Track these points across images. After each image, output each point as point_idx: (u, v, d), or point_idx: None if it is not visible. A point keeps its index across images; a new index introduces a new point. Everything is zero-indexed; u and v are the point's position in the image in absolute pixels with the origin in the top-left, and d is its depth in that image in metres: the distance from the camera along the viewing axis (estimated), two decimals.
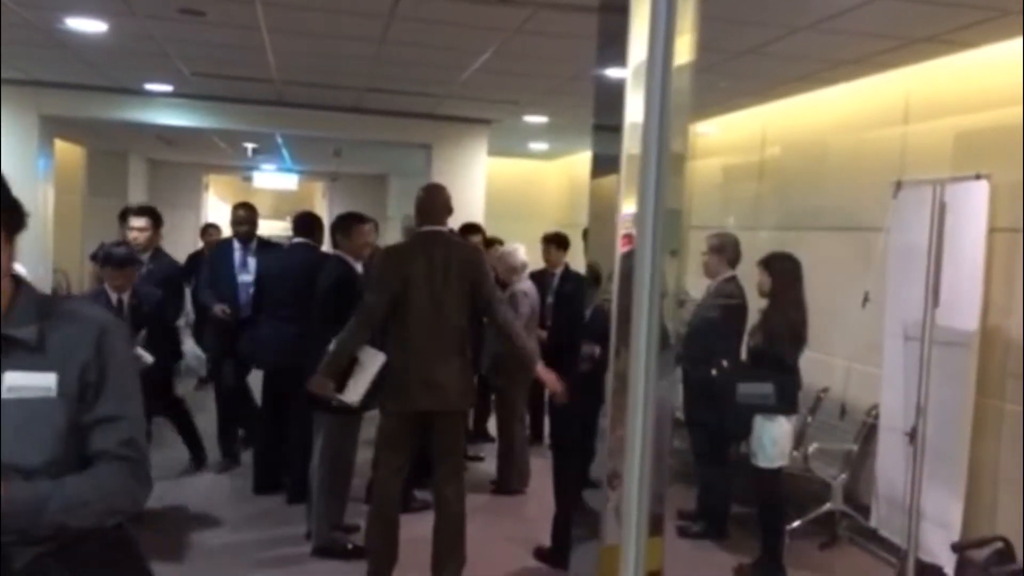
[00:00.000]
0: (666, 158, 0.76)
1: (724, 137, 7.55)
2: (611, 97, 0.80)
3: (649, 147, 0.76)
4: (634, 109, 0.78)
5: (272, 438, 5.36)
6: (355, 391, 4.04)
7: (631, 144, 0.79)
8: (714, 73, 5.62)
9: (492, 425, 6.22)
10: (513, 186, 10.68)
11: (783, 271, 4.42)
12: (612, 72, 0.80)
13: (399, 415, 3.99)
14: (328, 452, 4.49)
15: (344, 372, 4.05)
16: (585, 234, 6.22)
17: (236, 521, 5.06)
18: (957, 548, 2.58)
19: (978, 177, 4.25)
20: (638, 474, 0.78)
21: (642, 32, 0.77)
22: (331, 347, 4.04)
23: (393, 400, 3.97)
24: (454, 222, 6.37)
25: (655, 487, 0.79)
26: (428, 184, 4.38)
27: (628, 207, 0.77)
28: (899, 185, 4.77)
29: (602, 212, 1.00)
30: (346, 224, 4.76)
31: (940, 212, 4.32)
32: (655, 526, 0.81)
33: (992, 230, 4.30)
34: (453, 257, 3.97)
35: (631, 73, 0.80)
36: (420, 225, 4.06)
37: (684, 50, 0.78)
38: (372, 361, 4.00)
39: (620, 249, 0.80)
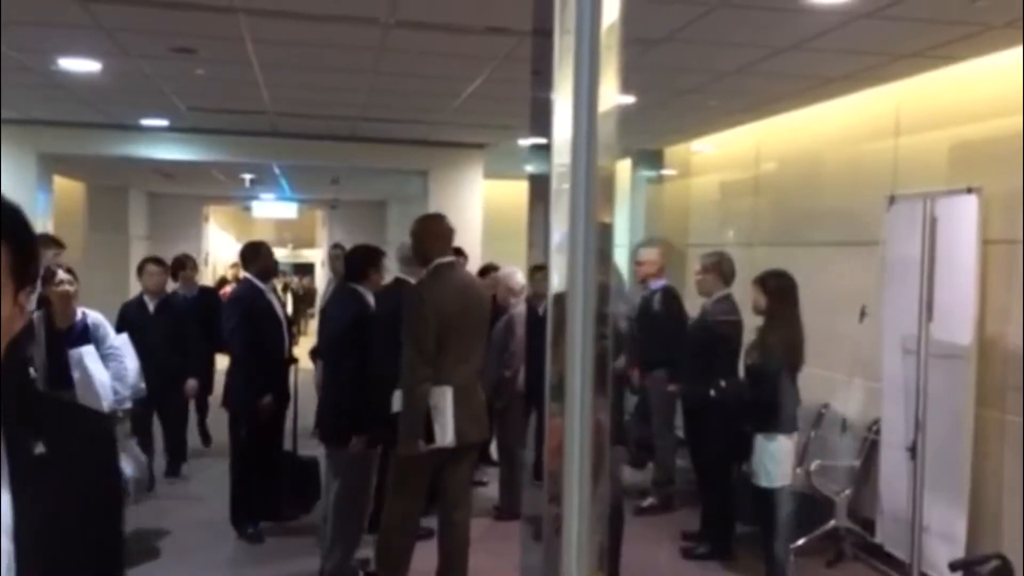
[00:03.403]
0: (595, 174, 0.76)
1: (719, 154, 7.55)
2: (545, 116, 0.80)
3: (578, 164, 0.75)
4: (562, 127, 0.77)
5: (247, 471, 5.23)
6: (446, 432, 3.84)
7: (560, 161, 0.78)
8: (704, 93, 5.64)
9: (494, 449, 6.17)
10: (510, 207, 10.70)
11: (777, 289, 4.39)
12: (544, 92, 0.80)
13: (420, 456, 3.86)
14: (349, 488, 4.48)
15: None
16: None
17: (242, 559, 5.01)
18: (954, 567, 2.54)
19: (969, 191, 4.23)
20: (577, 508, 0.76)
21: (568, 55, 0.76)
22: (399, 407, 3.89)
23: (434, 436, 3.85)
24: None
25: (597, 519, 0.77)
26: (430, 214, 4.39)
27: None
28: (892, 199, 4.76)
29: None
30: (375, 258, 4.81)
31: (931, 226, 4.31)
32: (601, 560, 0.78)
33: (986, 242, 4.28)
34: (474, 291, 4.12)
35: (558, 92, 0.80)
36: (436, 256, 3.99)
37: (609, 94, 0.77)
38: (443, 397, 3.84)
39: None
